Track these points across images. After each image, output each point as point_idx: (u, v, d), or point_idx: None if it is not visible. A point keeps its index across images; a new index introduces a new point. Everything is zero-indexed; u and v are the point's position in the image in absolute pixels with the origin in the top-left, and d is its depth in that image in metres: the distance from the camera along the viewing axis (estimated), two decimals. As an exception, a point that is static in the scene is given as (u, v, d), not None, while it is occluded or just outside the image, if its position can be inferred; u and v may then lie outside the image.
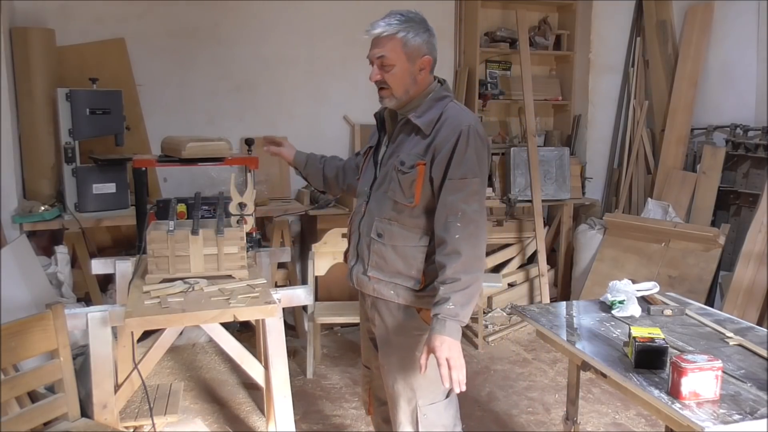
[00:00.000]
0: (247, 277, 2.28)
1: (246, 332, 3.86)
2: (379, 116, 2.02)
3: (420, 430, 1.90)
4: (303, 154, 2.27)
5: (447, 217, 1.77)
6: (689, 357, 1.61)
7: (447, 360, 1.67)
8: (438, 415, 1.91)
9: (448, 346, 1.68)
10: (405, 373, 1.89)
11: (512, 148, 4.64)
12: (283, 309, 2.23)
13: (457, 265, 1.71)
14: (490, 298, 4.64)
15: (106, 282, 3.79)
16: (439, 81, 1.93)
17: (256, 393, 3.29)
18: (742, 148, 4.33)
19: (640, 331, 1.82)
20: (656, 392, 1.62)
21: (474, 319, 1.92)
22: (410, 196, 1.82)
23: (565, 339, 2.02)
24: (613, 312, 2.22)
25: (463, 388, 1.69)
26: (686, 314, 2.23)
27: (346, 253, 2.07)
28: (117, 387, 2.16)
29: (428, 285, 1.84)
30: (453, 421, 1.95)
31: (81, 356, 2.77)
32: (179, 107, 4.25)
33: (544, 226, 4.73)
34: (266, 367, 2.31)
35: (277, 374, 2.26)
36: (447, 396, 1.92)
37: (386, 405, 2.10)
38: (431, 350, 1.70)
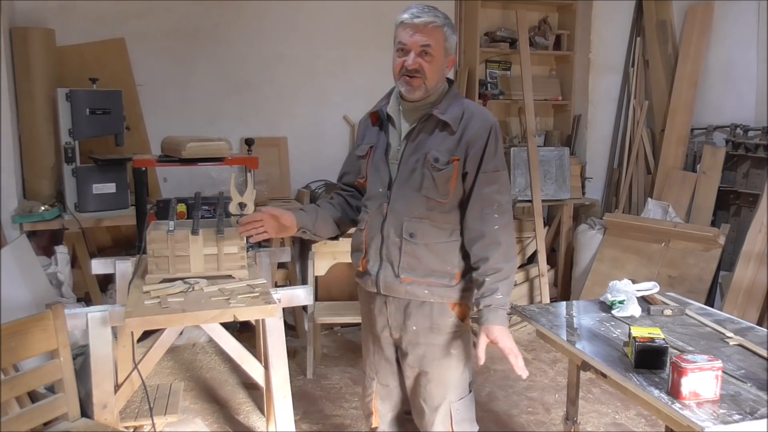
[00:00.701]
0: (247, 277, 2.28)
1: (246, 332, 3.86)
2: (382, 113, 1.96)
3: (453, 425, 1.92)
4: (301, 213, 2.02)
5: (483, 209, 1.81)
6: (689, 357, 1.61)
7: (511, 349, 1.76)
8: (466, 409, 1.96)
9: (507, 335, 1.78)
10: (439, 371, 1.90)
11: (512, 148, 4.64)
12: (283, 309, 2.23)
13: (498, 255, 1.78)
14: (490, 298, 4.63)
15: (106, 282, 3.79)
16: (448, 79, 1.94)
17: (256, 393, 3.29)
18: (742, 148, 4.33)
19: (640, 331, 1.82)
20: (656, 392, 1.62)
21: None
22: (445, 192, 1.83)
23: (565, 339, 2.02)
24: (613, 312, 2.22)
25: (527, 373, 1.78)
26: (686, 314, 2.23)
27: (362, 260, 1.95)
28: (117, 387, 2.16)
29: (462, 279, 1.87)
30: (474, 414, 2.01)
31: (81, 356, 2.77)
32: (179, 107, 4.25)
33: (544, 226, 4.73)
34: (266, 367, 2.31)
35: (277, 374, 2.25)
36: (470, 390, 1.98)
37: (395, 411, 2.06)
38: (493, 341, 1.77)
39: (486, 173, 1.82)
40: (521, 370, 1.76)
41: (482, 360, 1.78)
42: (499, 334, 1.76)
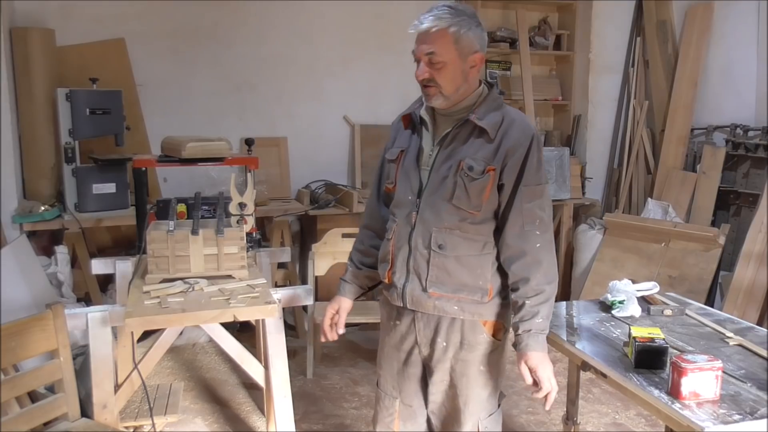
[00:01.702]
0: (247, 277, 2.28)
1: (246, 332, 3.86)
2: (415, 116, 1.84)
3: None
4: (348, 288, 2.01)
5: (524, 225, 1.69)
6: (689, 357, 1.61)
7: (549, 381, 1.69)
8: (495, 424, 1.88)
9: (547, 363, 1.70)
10: (468, 388, 1.81)
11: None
12: (283, 309, 2.23)
13: (539, 276, 1.68)
14: (490, 298, 4.63)
15: (106, 282, 3.79)
16: (488, 83, 1.82)
17: (256, 393, 3.29)
18: (742, 148, 4.33)
19: (640, 331, 1.82)
20: (656, 392, 1.62)
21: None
22: (478, 203, 1.70)
23: (565, 339, 2.02)
24: (613, 312, 2.22)
25: (548, 407, 1.72)
26: (686, 314, 2.23)
27: (388, 272, 1.84)
28: (117, 387, 2.16)
29: (495, 295, 1.76)
30: (501, 427, 1.93)
31: (81, 356, 2.77)
32: (179, 107, 4.24)
33: (544, 226, 4.73)
34: (266, 367, 2.31)
35: (277, 374, 2.26)
36: (499, 405, 1.90)
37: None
38: (533, 368, 1.69)
39: (528, 186, 1.69)
40: (548, 404, 1.71)
41: (535, 392, 1.71)
42: (539, 362, 1.68)
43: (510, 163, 1.69)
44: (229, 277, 2.28)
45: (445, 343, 1.79)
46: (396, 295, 1.82)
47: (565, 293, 4.79)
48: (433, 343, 1.81)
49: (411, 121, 1.86)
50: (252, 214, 2.46)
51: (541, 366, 1.68)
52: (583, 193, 5.00)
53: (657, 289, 2.37)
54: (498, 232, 1.77)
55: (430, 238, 1.74)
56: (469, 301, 1.74)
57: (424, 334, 1.82)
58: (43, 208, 3.52)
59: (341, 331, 1.99)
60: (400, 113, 1.91)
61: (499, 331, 1.82)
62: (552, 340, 2.10)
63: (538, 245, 1.69)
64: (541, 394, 1.69)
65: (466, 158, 1.71)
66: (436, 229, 1.73)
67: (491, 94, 1.78)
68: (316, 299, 3.82)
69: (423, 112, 1.81)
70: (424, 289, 1.76)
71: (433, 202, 1.75)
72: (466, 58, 1.71)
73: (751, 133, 4.34)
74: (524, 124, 1.73)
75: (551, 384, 1.68)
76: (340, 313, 1.99)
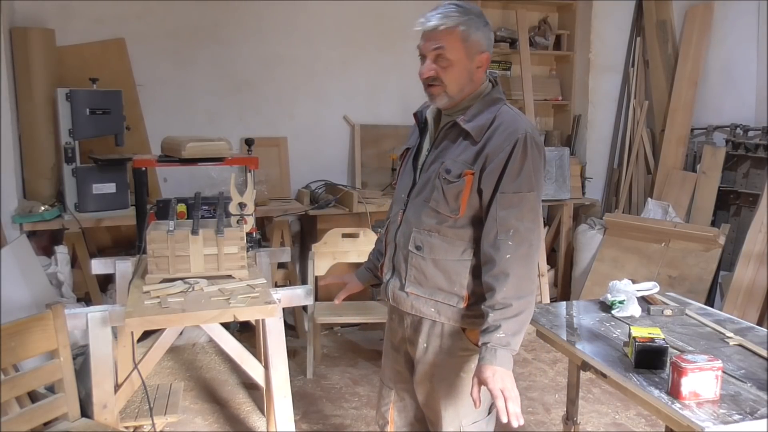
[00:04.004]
0: (247, 277, 2.28)
1: (246, 332, 3.86)
2: (420, 115, 1.85)
3: None
4: (363, 274, 2.06)
5: (497, 234, 1.61)
6: (689, 357, 1.61)
7: (501, 391, 1.54)
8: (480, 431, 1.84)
9: (501, 376, 1.55)
10: (449, 393, 1.77)
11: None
12: (283, 309, 2.23)
13: (507, 288, 1.58)
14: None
15: (106, 282, 3.79)
16: (491, 81, 1.76)
17: (256, 393, 3.29)
18: (742, 148, 4.33)
19: (640, 331, 1.82)
20: (656, 392, 1.62)
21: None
22: (455, 207, 1.67)
23: (565, 339, 2.02)
24: (613, 312, 2.22)
25: (521, 422, 1.54)
26: (686, 314, 2.23)
27: (381, 266, 1.92)
28: (117, 387, 2.16)
29: (473, 303, 1.70)
30: None
31: (81, 356, 2.77)
32: (179, 107, 4.25)
33: (544, 226, 4.73)
34: (266, 367, 2.31)
35: (277, 374, 2.26)
36: (489, 412, 1.84)
37: (410, 428, 1.97)
38: (483, 382, 1.56)
39: (505, 194, 1.61)
40: (512, 416, 1.52)
41: (477, 403, 1.59)
42: (491, 375, 1.54)
43: (489, 169, 1.63)
44: (229, 277, 2.28)
45: (425, 345, 1.78)
46: (383, 291, 1.86)
47: (565, 293, 4.79)
48: (415, 343, 1.81)
49: (419, 119, 1.87)
50: (252, 214, 2.46)
51: (491, 380, 1.55)
52: (583, 193, 5.01)
53: (657, 289, 2.37)
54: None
55: (410, 237, 1.75)
56: (445, 304, 1.72)
57: (408, 332, 1.83)
58: (43, 208, 3.52)
59: (337, 302, 2.08)
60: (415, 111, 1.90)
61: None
62: (552, 340, 2.11)
63: (507, 256, 1.59)
64: (499, 404, 1.53)
65: (447, 160, 1.69)
66: (416, 230, 1.74)
67: (490, 94, 1.73)
68: (316, 299, 3.82)
69: (429, 111, 1.81)
70: (403, 288, 1.78)
71: (417, 203, 1.76)
72: (474, 57, 1.67)
73: (751, 133, 4.35)
74: (512, 128, 1.64)
75: (503, 394, 1.53)
76: (345, 288, 2.06)
